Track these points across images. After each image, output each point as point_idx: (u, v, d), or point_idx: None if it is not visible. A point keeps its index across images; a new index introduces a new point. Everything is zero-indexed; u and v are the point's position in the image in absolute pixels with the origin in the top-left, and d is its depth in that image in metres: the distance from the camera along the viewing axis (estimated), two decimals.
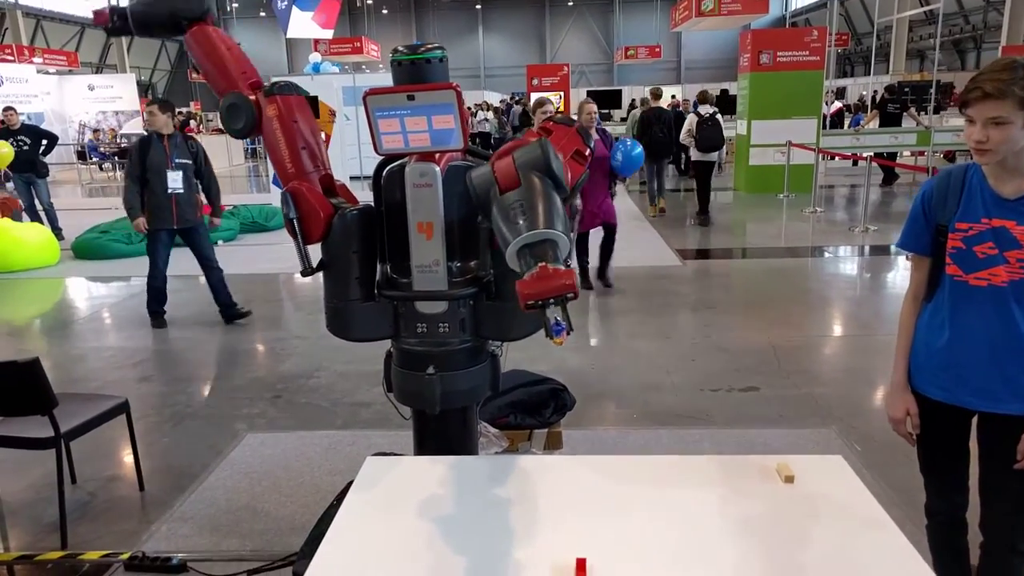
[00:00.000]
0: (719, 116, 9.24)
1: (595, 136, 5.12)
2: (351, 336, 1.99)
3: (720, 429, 3.46)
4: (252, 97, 1.90)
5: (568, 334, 1.09)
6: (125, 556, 2.53)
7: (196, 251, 5.33)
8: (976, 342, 1.77)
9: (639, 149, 5.78)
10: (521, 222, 1.17)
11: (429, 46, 1.81)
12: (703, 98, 9.45)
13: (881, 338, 4.81)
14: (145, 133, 5.39)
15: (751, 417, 3.59)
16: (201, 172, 5.24)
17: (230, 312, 5.44)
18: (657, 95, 10.90)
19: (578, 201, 5.25)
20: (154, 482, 3.10)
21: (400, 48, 1.84)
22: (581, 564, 1.22)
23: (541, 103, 5.46)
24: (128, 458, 3.06)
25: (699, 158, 9.38)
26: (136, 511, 2.90)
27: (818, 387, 3.95)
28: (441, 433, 2.04)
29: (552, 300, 1.08)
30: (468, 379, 1.94)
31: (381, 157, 1.89)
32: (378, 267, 1.98)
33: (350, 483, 1.61)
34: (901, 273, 6.59)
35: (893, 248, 7.43)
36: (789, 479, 1.53)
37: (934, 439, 1.93)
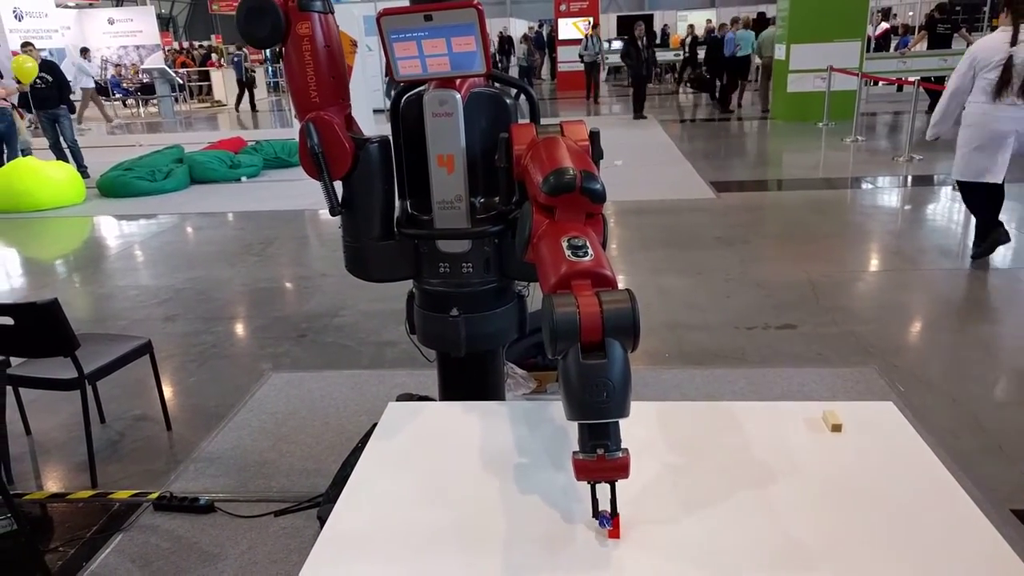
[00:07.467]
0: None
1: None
2: (371, 276, 1.90)
3: (755, 368, 3.35)
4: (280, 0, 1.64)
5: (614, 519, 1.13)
6: (154, 496, 2.53)
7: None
8: None
9: None
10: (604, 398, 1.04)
11: None
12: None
13: (925, 272, 4.62)
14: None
15: (788, 355, 3.47)
16: None
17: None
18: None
19: None
20: (181, 422, 3.10)
21: None
22: (615, 522, 1.14)
23: None
24: (155, 398, 3.05)
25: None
26: (164, 451, 2.91)
27: (858, 324, 3.79)
28: (466, 376, 1.96)
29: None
30: (493, 321, 1.84)
31: (400, 85, 1.76)
32: (397, 204, 1.87)
33: (375, 425, 1.54)
34: (945, 204, 6.30)
35: (937, 178, 7.11)
36: (837, 428, 1.42)
37: None
